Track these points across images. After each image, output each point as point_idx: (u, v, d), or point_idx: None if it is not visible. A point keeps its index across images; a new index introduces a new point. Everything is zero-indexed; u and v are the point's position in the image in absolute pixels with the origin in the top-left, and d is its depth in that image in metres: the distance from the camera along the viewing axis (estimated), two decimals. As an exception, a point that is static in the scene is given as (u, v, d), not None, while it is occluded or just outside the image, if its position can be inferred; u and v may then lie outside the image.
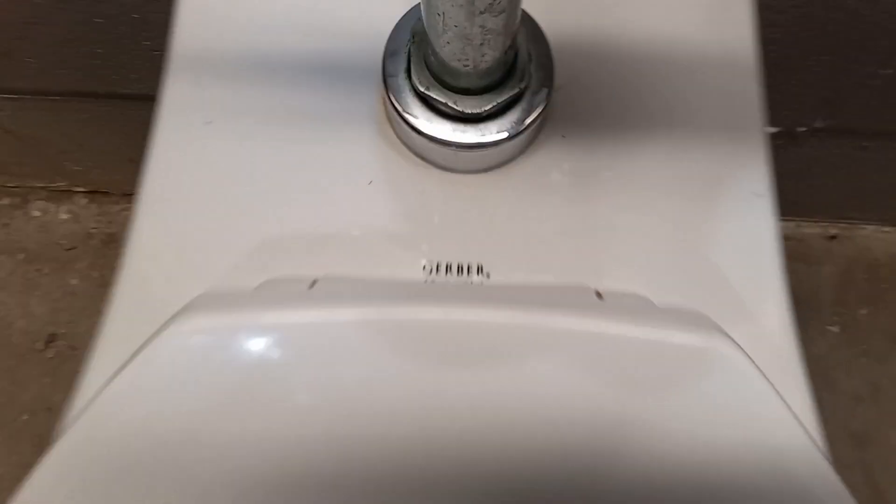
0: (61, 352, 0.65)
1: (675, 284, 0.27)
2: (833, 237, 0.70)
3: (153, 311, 0.25)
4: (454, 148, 0.27)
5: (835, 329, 0.67)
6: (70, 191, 0.68)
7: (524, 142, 0.28)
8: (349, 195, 0.28)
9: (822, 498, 0.22)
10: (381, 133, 0.29)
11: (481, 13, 0.22)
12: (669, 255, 0.27)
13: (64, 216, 0.69)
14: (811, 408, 0.27)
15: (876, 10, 0.39)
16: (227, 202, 0.28)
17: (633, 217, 0.28)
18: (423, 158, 0.29)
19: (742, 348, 0.23)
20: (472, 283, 0.27)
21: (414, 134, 0.27)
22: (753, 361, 0.23)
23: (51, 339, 0.65)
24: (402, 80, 0.28)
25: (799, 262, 0.68)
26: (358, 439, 0.22)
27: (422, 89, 0.27)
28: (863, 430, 0.65)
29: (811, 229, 0.69)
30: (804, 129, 0.50)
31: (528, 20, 0.29)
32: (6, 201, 0.69)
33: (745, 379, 0.23)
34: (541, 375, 0.23)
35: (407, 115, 0.27)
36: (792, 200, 0.65)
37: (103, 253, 0.68)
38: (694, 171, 0.28)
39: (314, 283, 0.25)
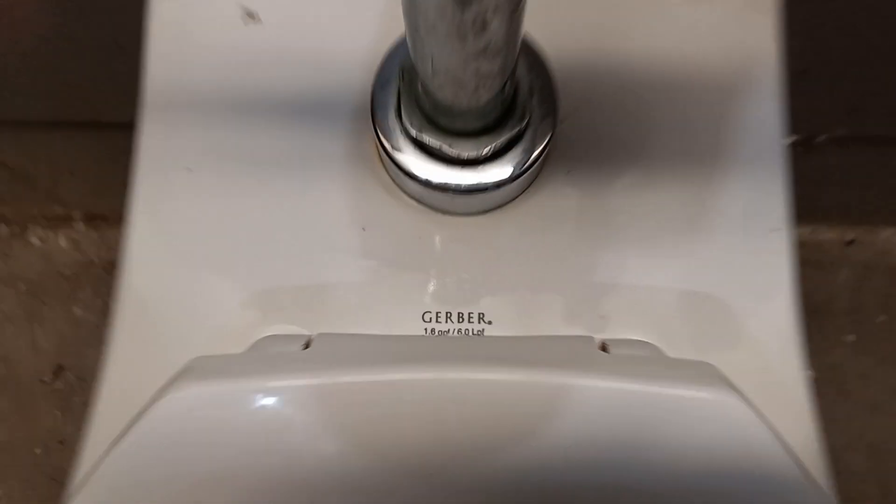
0: (70, 383, 0.64)
1: (685, 330, 0.25)
2: (850, 242, 0.68)
3: (151, 362, 0.24)
4: (451, 192, 0.26)
5: (851, 338, 0.65)
6: (69, 217, 0.68)
7: (526, 181, 0.27)
8: (342, 243, 0.27)
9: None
10: (373, 175, 0.28)
11: (475, 59, 0.21)
12: (679, 299, 0.26)
13: (64, 244, 0.68)
14: (819, 452, 0.26)
15: None
16: (214, 256, 0.27)
17: (641, 259, 0.26)
18: (418, 201, 0.27)
19: (747, 400, 0.22)
20: (473, 331, 0.26)
21: (407, 178, 0.26)
22: (759, 413, 0.22)
23: (58, 371, 0.64)
24: (392, 120, 0.26)
25: (814, 268, 0.67)
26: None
27: (413, 132, 0.25)
28: (879, 441, 0.63)
29: (827, 234, 0.68)
30: (825, 136, 0.49)
31: (527, 47, 0.27)
32: (4, 231, 0.68)
33: (749, 429, 0.22)
34: (545, 435, 0.22)
35: (399, 158, 0.26)
36: (809, 206, 0.63)
37: (106, 281, 0.67)
38: (707, 207, 0.27)
39: (308, 343, 0.24)
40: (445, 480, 0.20)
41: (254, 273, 0.26)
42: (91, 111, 0.48)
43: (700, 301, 0.26)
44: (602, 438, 0.21)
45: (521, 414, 0.22)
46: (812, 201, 0.62)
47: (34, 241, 0.68)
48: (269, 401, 0.22)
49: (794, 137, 0.47)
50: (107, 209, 0.67)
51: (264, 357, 0.24)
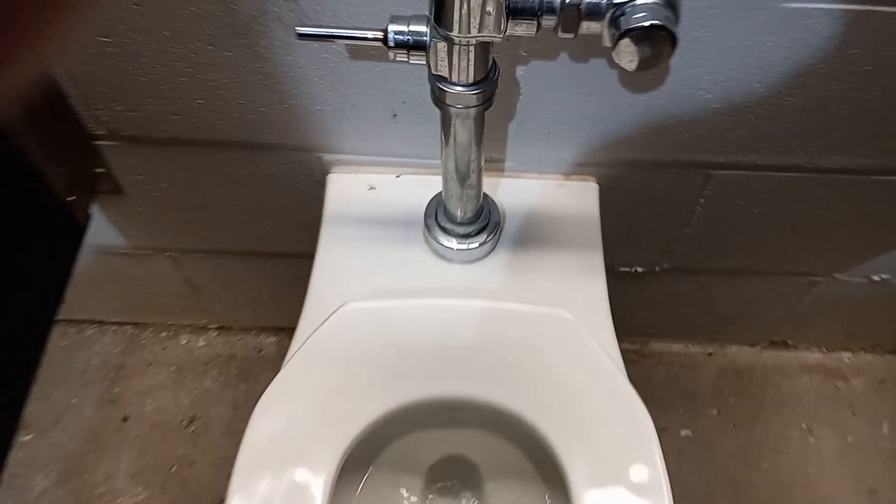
0: (198, 429, 0.97)
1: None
2: (710, 354, 1.05)
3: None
4: (455, 251, 0.64)
5: (713, 411, 1.00)
6: (207, 326, 1.05)
7: (488, 250, 0.65)
8: (416, 271, 0.65)
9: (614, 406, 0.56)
10: (424, 246, 0.66)
11: (465, 192, 0.60)
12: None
13: (202, 344, 1.05)
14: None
15: (672, 193, 0.78)
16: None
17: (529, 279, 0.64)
18: (441, 256, 0.65)
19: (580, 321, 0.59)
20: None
21: (438, 245, 0.64)
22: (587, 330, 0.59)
23: (191, 420, 0.98)
24: (432, 222, 0.65)
25: (687, 369, 1.03)
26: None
27: (440, 230, 0.64)
28: (737, 477, 0.95)
29: (695, 348, 1.04)
30: (659, 269, 0.88)
31: (488, 197, 0.67)
32: (164, 334, 1.05)
33: (578, 335, 0.59)
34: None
35: (433, 243, 0.65)
36: (677, 325, 1.01)
37: (227, 367, 1.03)
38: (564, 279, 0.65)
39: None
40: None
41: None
42: (266, 244, 0.87)
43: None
44: (486, 330, 0.58)
45: (463, 325, 0.58)
46: (678, 321, 0.99)
47: (182, 340, 1.05)
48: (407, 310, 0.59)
49: (641, 268, 0.86)
50: (233, 321, 1.04)
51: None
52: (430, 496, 0.70)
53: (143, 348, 1.04)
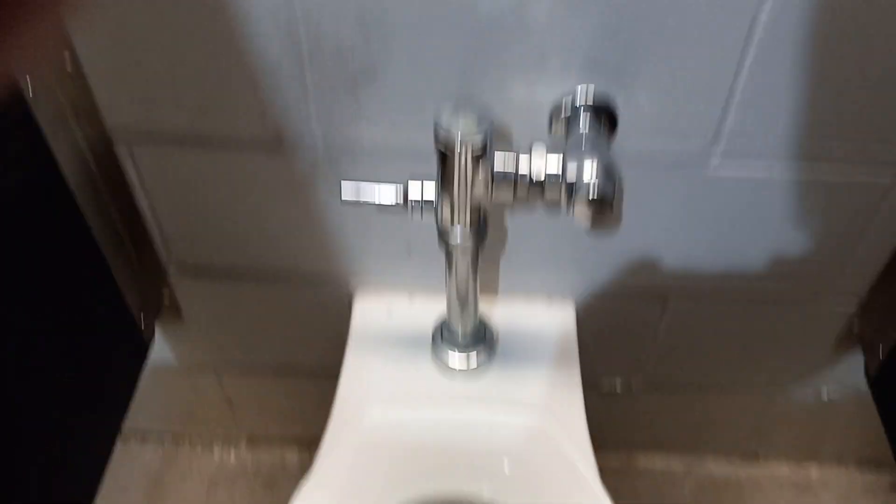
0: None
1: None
2: (689, 467, 1.16)
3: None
4: (456, 365, 0.79)
5: (693, 521, 1.10)
6: (239, 438, 1.18)
7: (486, 359, 0.80)
8: (422, 379, 0.79)
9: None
10: (429, 358, 0.81)
11: (464, 311, 0.76)
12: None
13: (232, 458, 1.17)
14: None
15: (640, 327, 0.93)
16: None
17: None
18: (445, 369, 0.80)
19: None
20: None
21: (442, 360, 0.79)
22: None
23: (220, 525, 1.09)
24: (437, 340, 0.80)
25: (668, 481, 1.14)
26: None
27: (445, 348, 0.79)
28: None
29: (675, 461, 1.16)
30: (634, 384, 1.01)
31: (484, 318, 0.82)
32: (199, 446, 1.17)
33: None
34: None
35: (439, 358, 0.79)
36: (657, 439, 1.13)
37: (254, 479, 1.14)
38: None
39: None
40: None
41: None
42: (302, 365, 1.01)
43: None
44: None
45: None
46: (657, 436, 1.12)
47: (215, 453, 1.17)
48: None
49: (620, 382, 1.00)
50: (260, 432, 1.17)
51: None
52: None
53: (179, 460, 1.16)
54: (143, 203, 0.76)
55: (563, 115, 0.62)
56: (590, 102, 0.61)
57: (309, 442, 0.71)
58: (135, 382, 0.88)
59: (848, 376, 0.95)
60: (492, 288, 0.84)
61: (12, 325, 0.64)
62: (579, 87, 0.61)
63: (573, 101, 0.61)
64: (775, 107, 0.61)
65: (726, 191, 0.69)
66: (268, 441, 1.18)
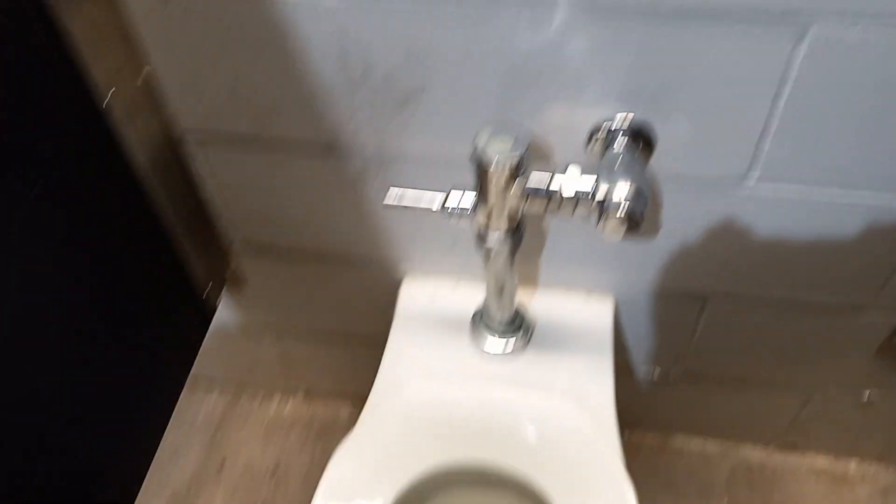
0: (280, 477, 1.17)
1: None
2: (725, 451, 1.18)
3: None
4: (492, 347, 0.83)
5: (725, 501, 1.13)
6: (294, 392, 1.26)
7: (522, 345, 0.84)
8: (462, 376, 0.84)
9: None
10: (465, 339, 0.85)
11: (501, 302, 0.80)
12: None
13: (289, 407, 1.26)
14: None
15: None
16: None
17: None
18: (482, 352, 0.84)
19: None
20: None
21: (480, 343, 0.84)
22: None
23: (275, 469, 1.18)
24: (477, 323, 0.85)
25: (704, 463, 1.17)
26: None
27: (483, 333, 0.84)
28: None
29: (711, 445, 1.19)
30: (672, 374, 1.04)
31: (522, 306, 0.86)
32: (260, 395, 1.27)
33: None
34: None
35: (476, 341, 0.84)
36: (695, 423, 1.16)
37: (309, 427, 1.23)
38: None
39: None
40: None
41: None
42: (352, 332, 1.08)
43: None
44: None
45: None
46: (699, 420, 1.14)
47: (273, 403, 1.26)
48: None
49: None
50: (316, 388, 1.25)
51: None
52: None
53: (241, 406, 1.26)
54: (211, 190, 0.82)
55: (600, 136, 0.64)
56: (626, 126, 0.63)
57: (362, 398, 0.78)
58: (199, 343, 0.96)
59: (890, 381, 0.95)
60: (533, 280, 0.88)
61: (99, 289, 0.72)
62: (618, 114, 0.62)
63: (611, 125, 0.63)
64: (811, 138, 0.62)
65: (764, 209, 0.70)
66: (322, 396, 1.26)
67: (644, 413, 1.15)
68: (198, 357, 1.21)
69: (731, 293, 0.84)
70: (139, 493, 1.09)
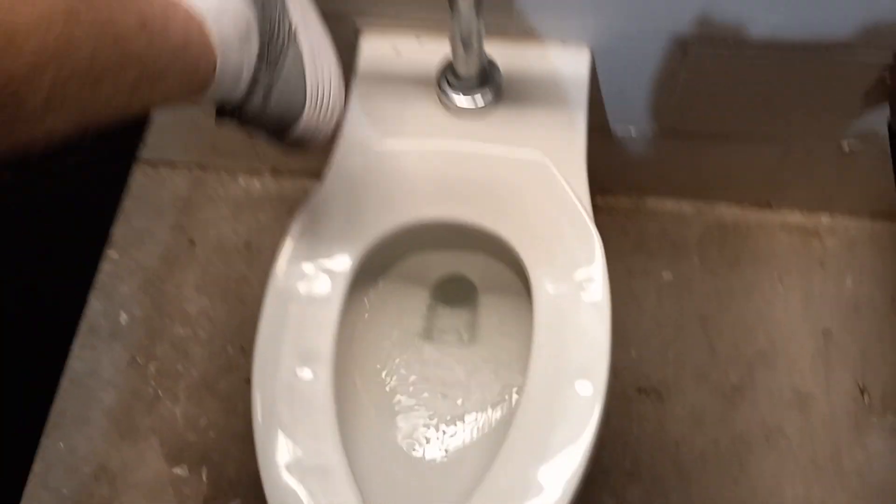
0: (253, 253, 1.17)
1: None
2: (699, 211, 1.18)
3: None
4: (458, 103, 0.78)
5: (695, 259, 1.14)
6: (261, 171, 1.22)
7: (487, 103, 0.78)
8: (425, 125, 0.79)
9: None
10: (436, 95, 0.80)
11: (469, 55, 0.73)
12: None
13: (257, 185, 1.22)
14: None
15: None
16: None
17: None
18: (448, 109, 0.79)
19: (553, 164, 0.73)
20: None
21: (446, 99, 0.78)
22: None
23: (247, 246, 1.17)
24: (442, 79, 0.79)
25: (677, 223, 1.17)
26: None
27: (450, 88, 0.78)
28: (710, 313, 1.11)
29: (685, 205, 1.18)
30: (650, 130, 1.00)
31: (490, 59, 0.79)
32: (225, 175, 1.23)
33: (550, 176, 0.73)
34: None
35: (444, 97, 0.78)
36: (669, 184, 1.14)
37: (278, 204, 1.20)
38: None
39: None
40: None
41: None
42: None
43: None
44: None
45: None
46: (672, 180, 1.12)
47: (241, 181, 1.23)
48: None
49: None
50: (283, 166, 1.21)
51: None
52: (431, 306, 0.87)
53: (207, 186, 1.22)
54: None
55: None
56: None
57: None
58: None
59: (871, 129, 0.92)
60: (503, 30, 0.80)
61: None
62: None
63: None
64: None
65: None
66: (290, 174, 1.22)
67: (618, 177, 1.13)
68: (160, 141, 1.16)
69: (715, 36, 0.78)
70: (99, 274, 1.08)
